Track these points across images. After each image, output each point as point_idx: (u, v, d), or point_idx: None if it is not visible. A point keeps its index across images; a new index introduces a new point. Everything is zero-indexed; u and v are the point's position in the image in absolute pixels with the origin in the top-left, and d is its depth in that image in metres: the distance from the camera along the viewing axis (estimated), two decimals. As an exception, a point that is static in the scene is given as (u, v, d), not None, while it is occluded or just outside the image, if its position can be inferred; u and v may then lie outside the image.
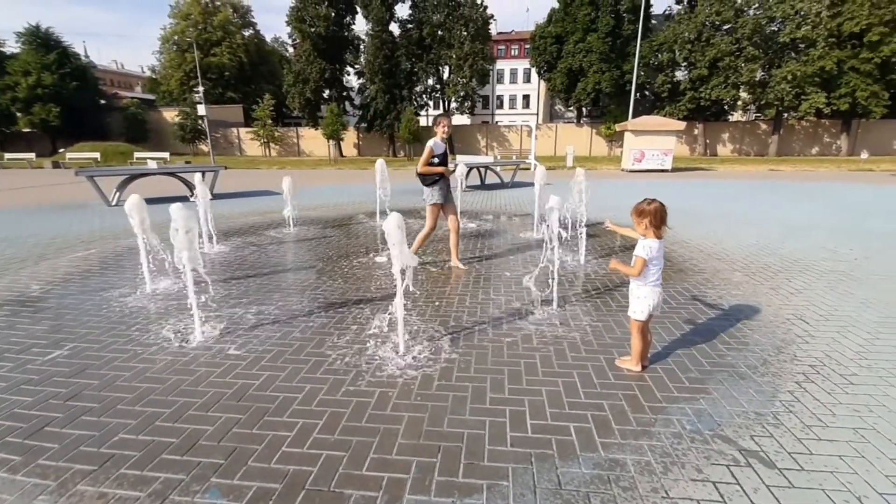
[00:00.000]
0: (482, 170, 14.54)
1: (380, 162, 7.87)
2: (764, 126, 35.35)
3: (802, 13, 28.12)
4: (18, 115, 40.34)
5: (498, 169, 14.56)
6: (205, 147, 44.22)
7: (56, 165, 25.39)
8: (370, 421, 2.40)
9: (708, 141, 36.54)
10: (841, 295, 4.32)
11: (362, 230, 7.52)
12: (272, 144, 42.22)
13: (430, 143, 4.89)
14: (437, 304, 4.11)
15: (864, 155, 26.26)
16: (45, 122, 39.28)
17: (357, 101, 41.01)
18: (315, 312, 3.90)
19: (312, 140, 41.40)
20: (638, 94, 33.41)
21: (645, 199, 2.81)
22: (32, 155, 27.08)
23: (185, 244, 3.19)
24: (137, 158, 25.99)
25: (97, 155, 26.75)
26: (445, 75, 38.22)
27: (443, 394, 2.65)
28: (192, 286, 3.29)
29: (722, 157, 34.82)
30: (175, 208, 3.17)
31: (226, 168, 11.85)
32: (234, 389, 2.69)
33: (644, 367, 2.93)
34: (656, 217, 2.71)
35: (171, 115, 44.28)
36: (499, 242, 6.58)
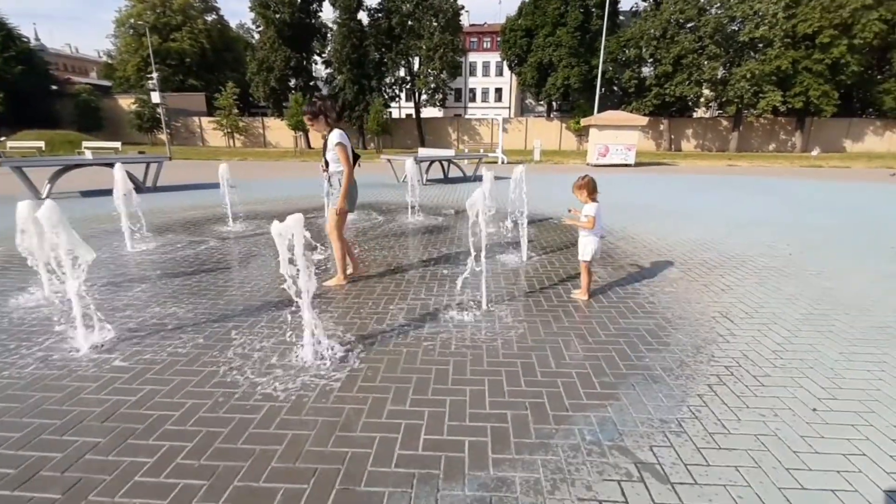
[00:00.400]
0: (445, 163, 14.33)
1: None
2: (725, 122, 36.39)
3: (760, 14, 28.92)
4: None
5: (465, 163, 14.40)
6: (163, 136, 42.52)
7: (-3, 155, 23.76)
8: (248, 441, 2.18)
9: (673, 136, 37.40)
10: (769, 291, 4.34)
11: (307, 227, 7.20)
12: (236, 135, 40.85)
13: (342, 138, 4.10)
14: (358, 308, 3.91)
15: (815, 152, 27.40)
16: (-11, 109, 36.80)
17: (325, 92, 40.02)
18: (227, 317, 3.63)
19: (279, 131, 40.23)
20: (605, 90, 33.87)
21: (579, 177, 3.92)
22: (-30, 143, 25.27)
23: (61, 243, 2.87)
24: (86, 148, 24.53)
25: (42, 144, 25.16)
26: (416, 66, 37.72)
27: (338, 407, 2.46)
28: (75, 289, 2.98)
29: (686, 152, 35.69)
30: (23, 207, 2.87)
31: (170, 159, 11.24)
32: (104, 408, 2.43)
33: (590, 297, 4.06)
34: (590, 186, 3.85)
35: (127, 102, 42.18)
36: (443, 239, 6.41)
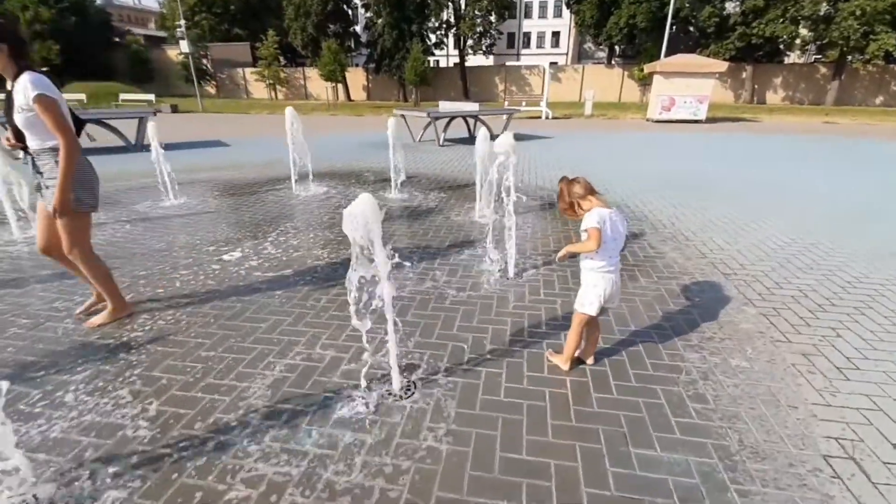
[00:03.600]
0: (470, 120, 12.31)
1: (289, 110, 5.99)
2: (823, 70, 30.60)
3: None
4: (21, 53, 39.06)
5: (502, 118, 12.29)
6: (211, 89, 42.41)
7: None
8: None
9: (757, 86, 32.11)
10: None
11: (264, 203, 5.79)
12: (279, 87, 39.91)
13: (44, 86, 2.35)
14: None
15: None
16: (46, 61, 37.94)
17: (364, 38, 37.80)
18: None
19: (321, 82, 38.78)
20: (677, 30, 29.22)
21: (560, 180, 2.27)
22: (21, 96, 25.90)
23: None
24: (123, 100, 24.48)
25: (83, 96, 25.33)
26: (462, 7, 34.35)
27: None
28: None
29: (771, 105, 30.60)
30: None
31: (156, 113, 10.14)
32: None
33: (572, 367, 2.43)
34: (577, 189, 2.16)
35: (174, 53, 42.15)
36: (423, 228, 4.77)
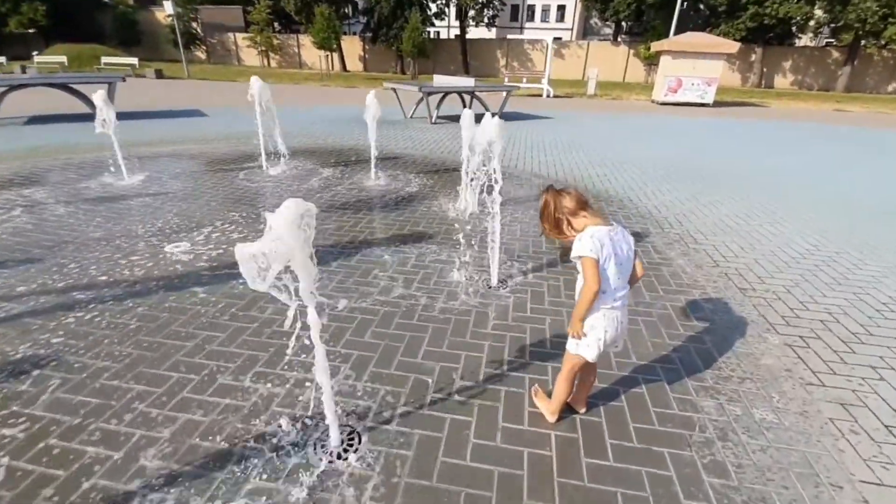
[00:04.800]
0: (466, 96, 11.57)
1: (254, 79, 5.34)
2: (836, 54, 29.55)
3: None
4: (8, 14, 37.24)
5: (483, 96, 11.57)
6: (201, 54, 40.76)
7: (23, 70, 22.97)
8: None
9: (766, 69, 31.08)
10: None
11: (228, 185, 5.21)
12: (271, 54, 38.39)
13: None
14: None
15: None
16: (32, 22, 36.27)
17: (361, 5, 36.17)
18: None
19: (316, 51, 37.21)
20: (688, 6, 28.03)
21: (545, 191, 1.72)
22: (3, 59, 24.65)
23: None
24: (105, 64, 23.32)
25: (64, 59, 24.08)
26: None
27: None
28: None
29: (779, 89, 29.69)
30: None
31: (124, 79, 9.36)
32: None
33: (560, 418, 1.93)
34: (574, 200, 1.64)
35: (163, 15, 40.24)
36: (399, 220, 4.23)
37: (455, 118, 10.93)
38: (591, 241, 1.54)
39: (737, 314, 2.85)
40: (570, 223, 1.64)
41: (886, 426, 2.00)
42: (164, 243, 3.59)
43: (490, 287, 3.06)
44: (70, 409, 1.93)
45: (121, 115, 9.28)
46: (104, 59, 23.54)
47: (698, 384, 2.20)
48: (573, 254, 1.59)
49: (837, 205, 5.22)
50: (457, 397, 2.08)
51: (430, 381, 2.17)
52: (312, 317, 1.54)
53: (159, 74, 22.36)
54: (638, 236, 4.06)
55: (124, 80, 9.33)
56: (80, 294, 2.83)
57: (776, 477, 1.72)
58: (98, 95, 4.79)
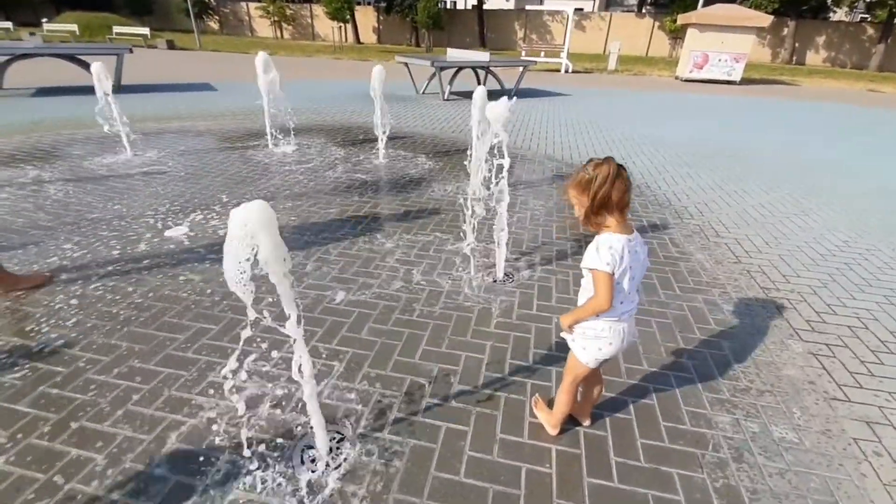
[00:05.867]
0: (481, 72, 11.17)
1: (261, 55, 5.15)
2: (871, 31, 27.90)
3: None
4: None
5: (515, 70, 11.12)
6: (214, 24, 40.17)
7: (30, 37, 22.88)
8: None
9: (798, 45, 29.54)
10: None
11: (233, 163, 5.09)
12: (284, 25, 37.66)
13: None
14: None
15: None
16: (44, -12, 35.91)
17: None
18: None
19: (329, 22, 36.35)
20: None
21: (591, 161, 1.38)
22: (10, 24, 24.53)
23: None
24: (116, 34, 23.09)
25: (75, 27, 23.89)
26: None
27: None
28: None
29: (810, 66, 28.27)
30: None
31: (131, 51, 9.18)
32: None
33: (562, 431, 1.82)
34: (621, 193, 1.34)
35: (175, -17, 39.56)
36: (404, 205, 4.08)
37: (469, 94, 10.57)
38: (608, 253, 1.36)
39: (758, 317, 2.68)
40: (597, 214, 1.38)
41: (918, 450, 1.85)
42: (163, 225, 3.51)
43: (495, 281, 2.92)
44: (54, 404, 1.87)
45: (129, 88, 9.30)
46: (116, 29, 23.29)
47: (713, 396, 2.06)
48: (585, 263, 1.43)
49: (872, 197, 4.91)
50: (454, 403, 1.97)
51: (426, 384, 2.07)
52: (294, 331, 1.41)
53: (171, 45, 22.11)
54: (655, 227, 3.86)
55: (131, 51, 9.17)
56: (71, 276, 2.76)
57: (794, 506, 1.59)
58: (95, 67, 4.64)
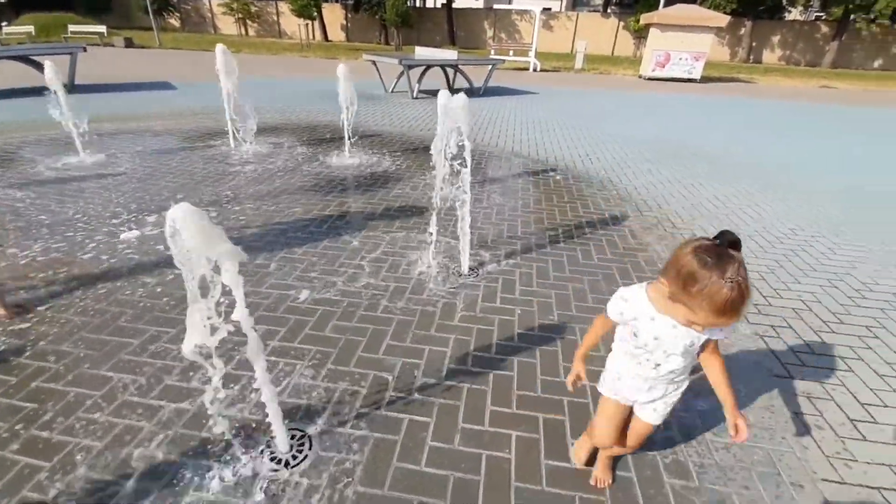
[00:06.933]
0: (449, 70, 11.22)
1: (219, 48, 5.03)
2: (825, 29, 29.36)
3: None
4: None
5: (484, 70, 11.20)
6: (175, 22, 38.91)
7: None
8: None
9: (754, 44, 30.81)
10: None
11: (192, 163, 4.96)
12: (249, 22, 36.80)
13: None
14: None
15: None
16: (1, -11, 33.99)
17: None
18: None
19: (295, 19, 35.69)
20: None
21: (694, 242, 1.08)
22: (-37, 27, 23.16)
23: None
24: (72, 33, 22.09)
25: (31, 29, 22.70)
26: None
27: None
28: None
29: (767, 64, 29.53)
30: None
31: (85, 49, 8.82)
32: None
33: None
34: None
35: (131, -20, 38.04)
36: (371, 203, 4.07)
37: (432, 93, 10.60)
38: (623, 304, 1.26)
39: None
40: (700, 306, 1.03)
41: (852, 420, 1.98)
42: (117, 229, 3.40)
43: (460, 275, 2.96)
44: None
45: (84, 88, 8.91)
46: (71, 28, 22.28)
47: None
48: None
49: (819, 187, 5.19)
50: (417, 395, 1.99)
51: (390, 378, 2.09)
52: (250, 334, 1.40)
53: (129, 43, 21.31)
54: (616, 220, 3.97)
55: (85, 49, 8.80)
56: (22, 285, 2.65)
57: (738, 477, 1.69)
58: (48, 67, 4.45)
